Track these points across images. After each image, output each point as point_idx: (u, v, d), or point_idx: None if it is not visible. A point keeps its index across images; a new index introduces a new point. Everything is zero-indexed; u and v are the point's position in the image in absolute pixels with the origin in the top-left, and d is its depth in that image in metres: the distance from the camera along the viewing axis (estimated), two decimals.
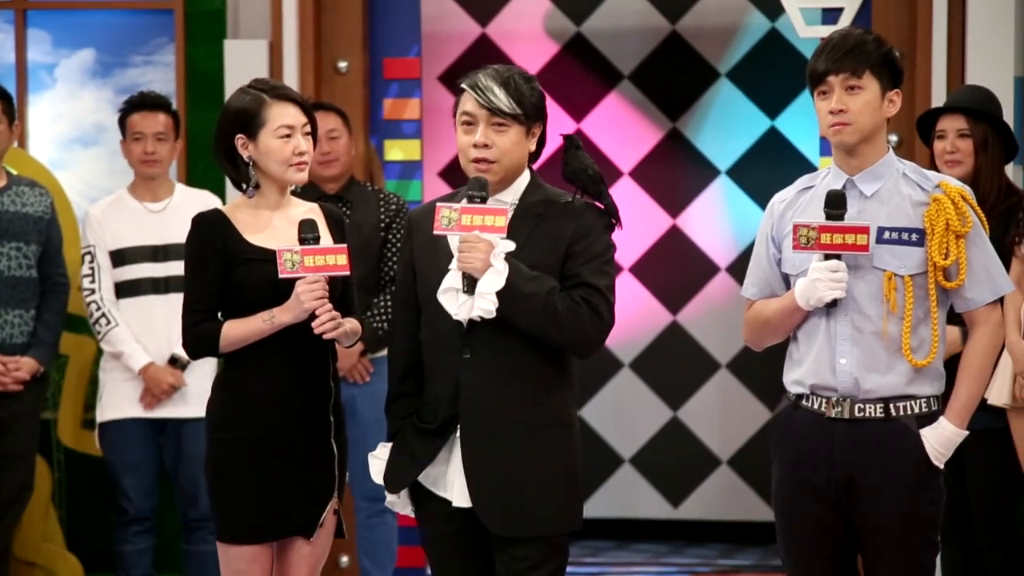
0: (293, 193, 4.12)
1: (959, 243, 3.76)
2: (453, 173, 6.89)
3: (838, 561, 3.87)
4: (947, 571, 5.23)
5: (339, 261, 3.92)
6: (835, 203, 3.76)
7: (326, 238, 4.01)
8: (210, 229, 3.99)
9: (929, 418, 3.80)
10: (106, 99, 5.97)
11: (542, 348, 3.74)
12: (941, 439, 3.78)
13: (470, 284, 3.69)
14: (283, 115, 3.98)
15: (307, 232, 3.92)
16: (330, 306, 3.92)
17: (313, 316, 3.92)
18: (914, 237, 3.77)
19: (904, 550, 3.79)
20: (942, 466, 3.79)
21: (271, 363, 3.97)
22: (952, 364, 5.00)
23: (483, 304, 3.67)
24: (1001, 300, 3.90)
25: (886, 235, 3.77)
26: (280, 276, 3.88)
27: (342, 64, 6.16)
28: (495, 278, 3.66)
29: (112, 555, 5.72)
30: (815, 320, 3.82)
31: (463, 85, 3.79)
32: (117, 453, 5.60)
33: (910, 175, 3.83)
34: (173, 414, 5.57)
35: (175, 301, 5.46)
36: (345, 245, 3.96)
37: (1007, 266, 4.96)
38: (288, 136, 3.97)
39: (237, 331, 3.95)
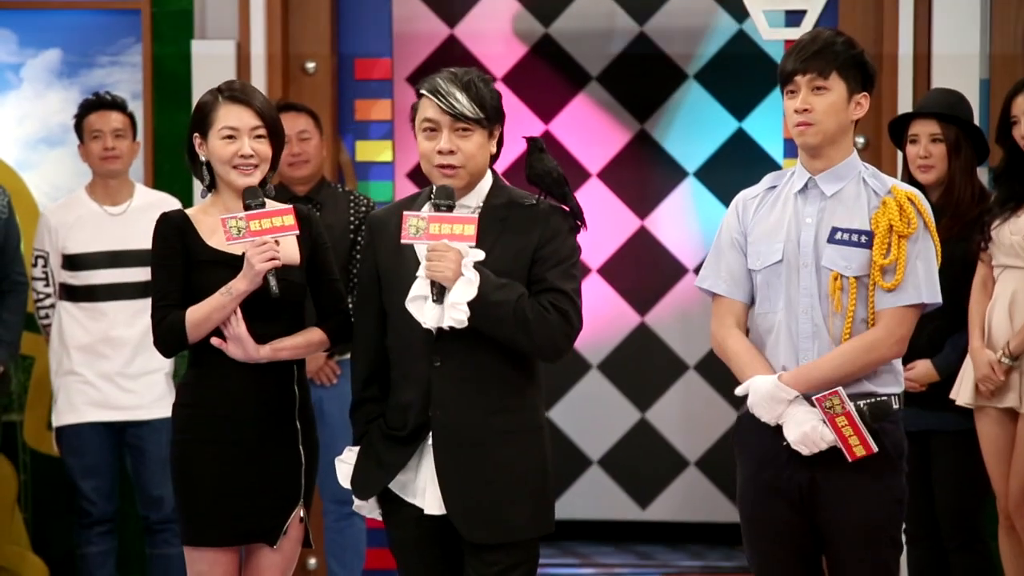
0: (267, 196, 4.11)
1: (901, 244, 3.77)
2: (423, 174, 6.87)
3: (803, 562, 3.88)
4: (913, 572, 5.24)
5: (286, 221, 3.89)
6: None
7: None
8: (173, 228, 3.99)
9: (890, 416, 3.81)
10: (72, 99, 5.94)
11: (511, 353, 3.73)
12: (760, 392, 3.74)
13: (439, 293, 3.68)
14: (228, 116, 3.97)
15: (250, 198, 3.92)
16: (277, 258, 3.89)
17: (277, 323, 3.91)
18: (863, 239, 3.78)
19: (867, 549, 3.80)
20: (767, 419, 3.75)
21: (233, 366, 3.95)
22: (934, 393, 5.05)
23: (455, 314, 3.66)
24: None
25: (838, 235, 3.79)
26: (227, 242, 3.88)
27: (310, 65, 6.15)
28: (466, 288, 3.65)
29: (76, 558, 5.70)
30: (777, 320, 3.84)
31: (422, 90, 3.77)
32: (75, 457, 5.58)
33: (868, 180, 3.85)
34: (130, 417, 5.55)
35: (133, 307, 5.46)
36: (291, 206, 3.95)
37: (972, 271, 5.00)
38: (231, 138, 3.97)
39: (200, 311, 3.92)
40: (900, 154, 5.27)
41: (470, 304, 3.64)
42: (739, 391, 3.83)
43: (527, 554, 3.79)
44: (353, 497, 3.89)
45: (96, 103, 5.62)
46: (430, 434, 3.75)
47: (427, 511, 3.76)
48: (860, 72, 3.83)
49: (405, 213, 3.72)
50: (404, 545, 3.84)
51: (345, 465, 3.88)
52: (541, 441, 3.82)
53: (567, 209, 3.84)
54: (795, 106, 3.80)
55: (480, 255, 3.68)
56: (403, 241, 3.70)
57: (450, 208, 3.71)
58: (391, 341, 3.82)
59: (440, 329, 3.71)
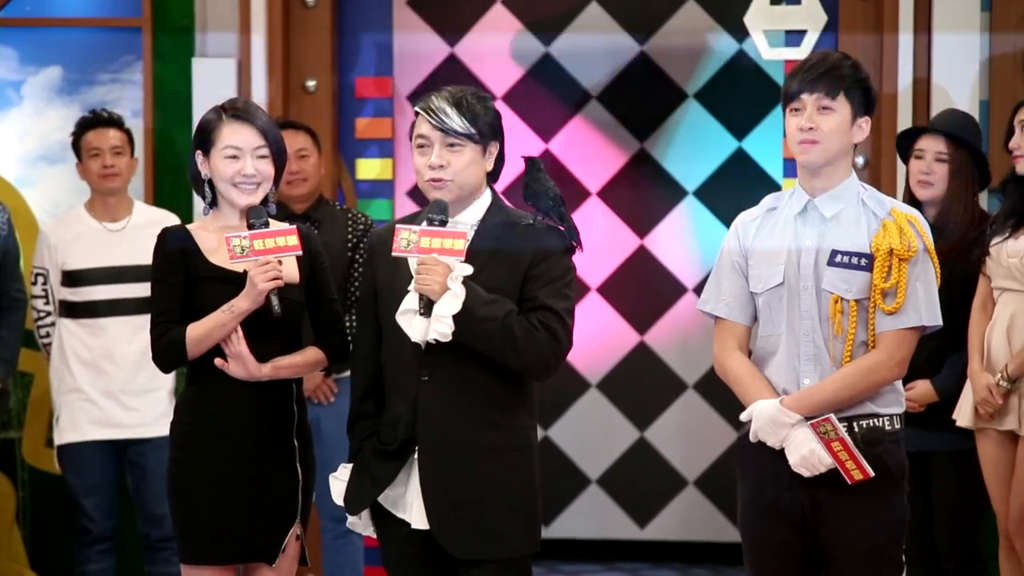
0: (269, 214, 4.12)
1: (902, 267, 3.78)
2: (423, 193, 6.87)
3: None
4: None
5: (289, 242, 3.91)
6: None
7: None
8: (174, 243, 4.01)
9: (892, 436, 3.81)
10: (73, 117, 5.94)
11: (500, 371, 3.75)
12: (763, 417, 3.76)
13: (427, 306, 3.70)
14: (231, 135, 3.99)
15: (254, 217, 3.93)
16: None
17: (276, 342, 3.92)
18: (863, 262, 3.80)
19: (869, 570, 3.80)
20: (779, 447, 3.76)
21: (231, 384, 3.96)
22: (933, 413, 5.05)
23: (439, 327, 3.68)
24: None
25: (838, 258, 3.81)
26: (230, 260, 3.88)
27: (310, 83, 6.15)
28: (451, 301, 3.67)
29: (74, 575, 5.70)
30: (778, 343, 3.84)
31: (417, 108, 3.82)
32: (77, 475, 5.58)
33: (867, 202, 3.86)
34: (132, 435, 5.55)
35: (133, 323, 5.46)
36: (294, 226, 3.96)
37: (974, 288, 5.00)
38: (234, 157, 3.97)
39: (201, 328, 3.94)
40: (901, 173, 5.28)
41: (456, 318, 3.66)
42: (743, 417, 3.83)
43: (518, 573, 3.80)
44: (346, 514, 3.89)
45: (93, 120, 5.64)
46: (416, 449, 3.76)
47: (414, 525, 3.78)
48: (864, 96, 3.86)
49: (398, 226, 3.75)
50: (396, 561, 3.86)
51: (339, 482, 3.90)
52: (529, 461, 3.82)
53: (563, 229, 3.85)
54: (800, 124, 3.81)
55: (468, 270, 3.70)
56: (394, 254, 3.73)
57: (443, 223, 3.73)
58: (384, 356, 3.85)
59: (428, 343, 3.72)
